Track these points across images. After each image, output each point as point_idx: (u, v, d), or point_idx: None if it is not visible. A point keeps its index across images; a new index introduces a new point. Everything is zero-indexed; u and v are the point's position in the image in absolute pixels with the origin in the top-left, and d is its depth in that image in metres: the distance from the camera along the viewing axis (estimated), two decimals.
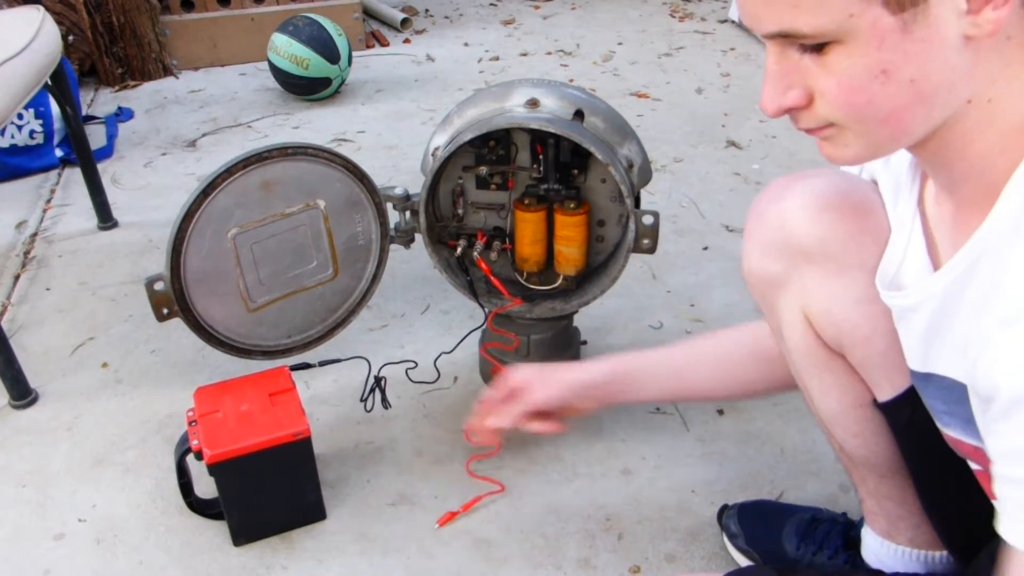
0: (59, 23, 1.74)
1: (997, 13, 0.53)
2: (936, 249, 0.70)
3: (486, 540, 1.13)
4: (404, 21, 3.14)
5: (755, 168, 2.08)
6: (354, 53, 2.65)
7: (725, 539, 1.09)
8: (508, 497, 1.19)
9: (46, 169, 2.14)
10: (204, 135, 2.34)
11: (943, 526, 0.87)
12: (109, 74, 2.68)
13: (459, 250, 1.26)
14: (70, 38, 2.60)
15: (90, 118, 2.41)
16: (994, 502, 0.56)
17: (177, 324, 1.20)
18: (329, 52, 2.45)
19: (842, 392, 0.86)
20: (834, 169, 0.81)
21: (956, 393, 0.63)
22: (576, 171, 1.21)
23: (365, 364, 1.39)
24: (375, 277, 1.31)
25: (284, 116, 2.45)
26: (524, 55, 2.89)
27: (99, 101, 2.59)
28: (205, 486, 1.13)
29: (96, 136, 2.29)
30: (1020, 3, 0.54)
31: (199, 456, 1.05)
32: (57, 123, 2.12)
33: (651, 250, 1.20)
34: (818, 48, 0.57)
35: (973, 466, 0.71)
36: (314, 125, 2.39)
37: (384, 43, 3.03)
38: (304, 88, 2.50)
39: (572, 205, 1.20)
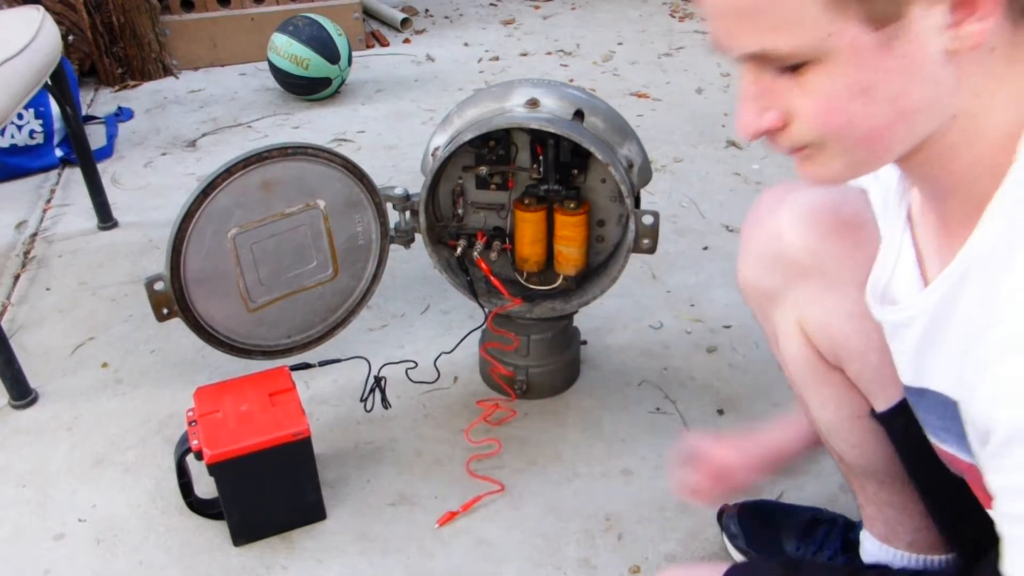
0: (59, 23, 1.74)
1: (981, 25, 0.52)
2: (924, 263, 0.69)
3: (486, 540, 1.13)
4: (404, 21, 3.14)
5: (755, 168, 2.08)
6: (354, 53, 2.65)
7: (725, 539, 1.09)
8: (508, 497, 1.19)
9: (46, 169, 2.14)
10: (204, 135, 2.34)
11: (948, 528, 0.87)
12: (109, 74, 2.68)
13: (459, 250, 1.26)
14: (70, 38, 2.60)
15: (90, 118, 2.41)
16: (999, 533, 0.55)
17: (177, 324, 1.20)
18: (329, 52, 2.45)
19: (839, 404, 0.86)
20: None
21: (951, 409, 0.62)
22: (576, 171, 1.21)
23: (365, 364, 1.39)
24: (375, 277, 1.31)
25: (284, 116, 2.45)
26: (524, 55, 2.89)
27: (99, 101, 2.59)
28: (205, 486, 1.13)
29: (96, 136, 2.29)
30: (1003, 13, 0.53)
31: (199, 456, 1.05)
32: (57, 123, 2.12)
33: (651, 250, 1.20)
34: (795, 68, 0.55)
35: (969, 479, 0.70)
36: (314, 125, 2.39)
37: (384, 43, 3.03)
38: (304, 88, 2.50)
39: (572, 205, 1.20)
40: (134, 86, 2.69)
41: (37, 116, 2.09)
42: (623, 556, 1.10)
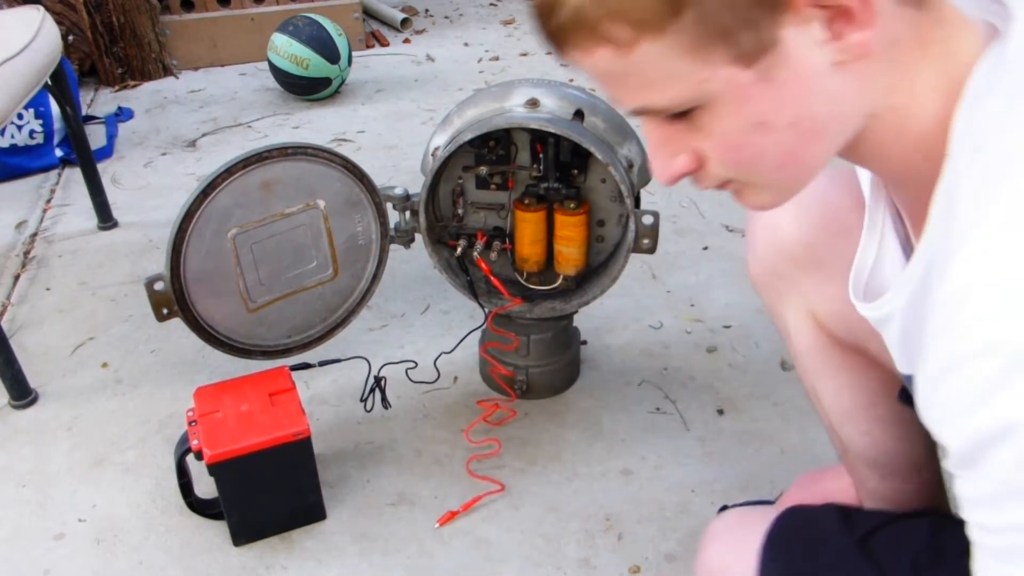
0: (59, 23, 1.74)
1: (863, 35, 0.50)
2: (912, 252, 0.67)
3: (486, 540, 1.13)
4: (404, 21, 3.14)
5: None
6: (354, 53, 2.65)
7: None
8: (508, 497, 1.19)
9: (46, 169, 2.14)
10: (204, 135, 2.34)
11: None
12: (109, 74, 2.68)
13: (459, 250, 1.26)
14: (70, 38, 2.60)
15: (90, 118, 2.41)
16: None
17: (177, 324, 1.20)
18: (329, 52, 2.45)
19: (855, 391, 0.86)
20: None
21: None
22: (576, 171, 1.21)
23: (365, 364, 1.39)
24: (375, 277, 1.31)
25: (284, 116, 2.45)
26: (524, 55, 2.89)
27: (99, 101, 2.59)
28: (205, 486, 1.13)
29: (96, 136, 2.29)
30: (893, 9, 0.51)
31: (199, 456, 1.05)
32: (57, 123, 2.12)
33: (651, 250, 1.20)
34: (685, 114, 0.54)
35: None
36: (314, 125, 2.39)
37: (384, 43, 3.03)
38: (304, 88, 2.50)
39: (572, 205, 1.20)
40: (134, 86, 2.69)
41: (37, 116, 2.09)
42: (623, 556, 1.10)
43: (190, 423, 1.09)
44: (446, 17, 3.33)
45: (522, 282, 1.30)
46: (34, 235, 1.87)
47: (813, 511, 0.84)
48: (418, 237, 1.28)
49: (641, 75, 0.53)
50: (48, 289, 1.68)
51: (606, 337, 1.51)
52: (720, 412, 1.34)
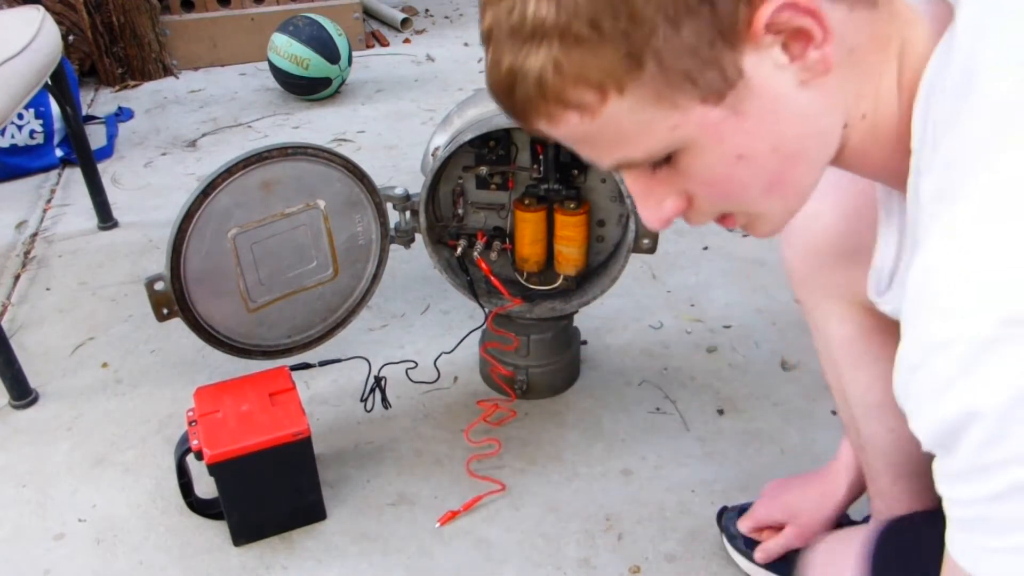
0: (59, 23, 1.74)
1: (823, 51, 0.50)
2: None
3: (486, 540, 1.13)
4: (404, 21, 3.14)
5: None
6: (354, 53, 2.65)
7: (725, 541, 1.09)
8: (508, 497, 1.19)
9: (46, 169, 2.14)
10: (204, 135, 2.34)
11: None
12: (109, 74, 2.68)
13: (459, 250, 1.26)
14: (70, 38, 2.60)
15: (90, 118, 2.41)
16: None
17: (177, 324, 1.20)
18: (329, 52, 2.45)
19: (890, 383, 0.85)
20: None
21: None
22: (576, 171, 1.21)
23: (365, 364, 1.39)
24: (375, 277, 1.31)
25: (284, 116, 2.45)
26: None
27: (99, 101, 2.59)
28: (205, 486, 1.13)
29: (96, 136, 2.29)
30: (847, 17, 0.51)
31: (199, 456, 1.05)
32: (57, 123, 2.12)
33: (651, 250, 1.20)
34: (665, 159, 0.54)
35: None
36: (314, 125, 2.39)
37: (384, 43, 3.03)
38: (304, 88, 2.50)
39: (572, 205, 1.20)
40: (134, 86, 2.69)
41: (37, 116, 2.09)
42: (623, 556, 1.10)
43: (190, 423, 1.09)
44: (446, 17, 3.33)
45: (522, 282, 1.30)
46: (34, 235, 1.87)
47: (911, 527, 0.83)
48: (418, 237, 1.28)
49: (613, 133, 0.53)
50: (48, 289, 1.68)
51: (606, 337, 1.51)
52: (720, 412, 1.34)
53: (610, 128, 0.53)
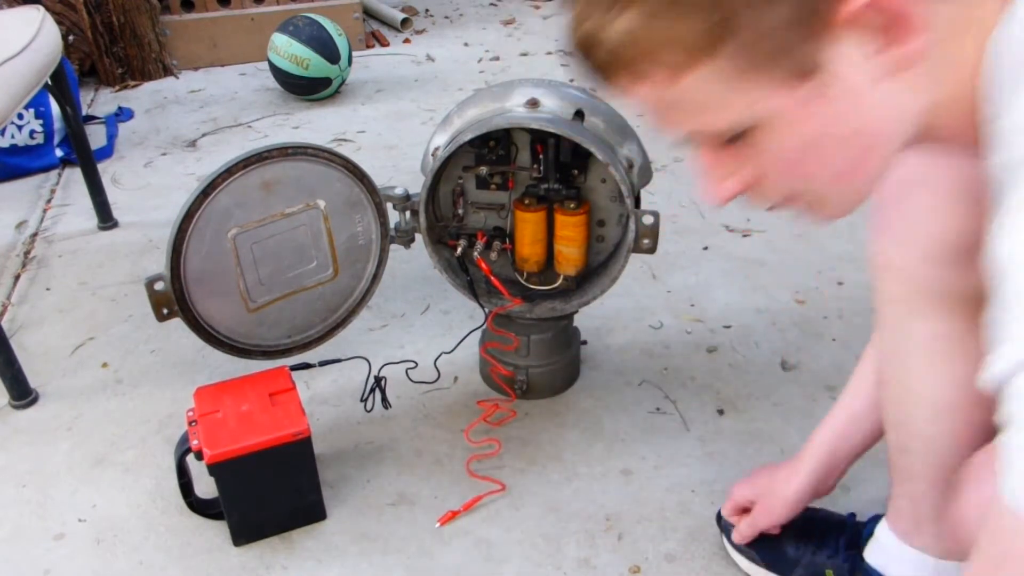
0: (59, 23, 1.74)
1: (910, 45, 0.50)
2: None
3: (486, 540, 1.13)
4: (404, 21, 3.14)
5: None
6: (354, 53, 2.64)
7: (725, 541, 1.09)
8: (508, 497, 1.19)
9: (46, 169, 2.14)
10: (204, 135, 2.34)
11: None
12: (109, 74, 2.68)
13: (459, 250, 1.26)
14: (70, 38, 2.60)
15: (90, 118, 2.41)
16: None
17: (177, 324, 1.20)
18: (329, 52, 2.45)
19: (970, 385, 0.83)
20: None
21: None
22: (576, 171, 1.21)
23: (365, 364, 1.39)
24: (375, 277, 1.31)
25: (284, 116, 2.45)
26: (524, 55, 2.89)
27: (99, 101, 2.59)
28: (205, 486, 1.13)
29: (96, 136, 2.29)
30: (936, 8, 0.51)
31: (199, 456, 1.05)
32: (57, 123, 2.12)
33: (651, 250, 1.20)
34: (738, 136, 0.54)
35: None
36: (314, 125, 2.39)
37: (384, 43, 3.03)
38: (304, 88, 2.50)
39: (572, 205, 1.20)
40: (134, 86, 2.69)
41: (37, 116, 2.09)
42: (623, 556, 1.10)
43: (190, 423, 1.09)
44: (446, 17, 3.33)
45: (522, 282, 1.30)
46: (34, 235, 1.87)
47: None
48: (418, 237, 1.28)
49: (691, 102, 0.53)
50: (48, 289, 1.68)
51: (606, 337, 1.51)
52: (720, 412, 1.34)
53: (688, 96, 0.52)
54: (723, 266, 1.70)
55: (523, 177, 1.24)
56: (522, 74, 2.70)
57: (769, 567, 1.05)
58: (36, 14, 1.57)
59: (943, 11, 0.52)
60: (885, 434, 0.93)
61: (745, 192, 0.59)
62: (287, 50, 2.43)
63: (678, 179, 2.04)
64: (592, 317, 1.53)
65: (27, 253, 1.81)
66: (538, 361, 1.33)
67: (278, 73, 2.49)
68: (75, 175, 2.04)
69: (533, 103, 1.15)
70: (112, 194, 1.93)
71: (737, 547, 1.08)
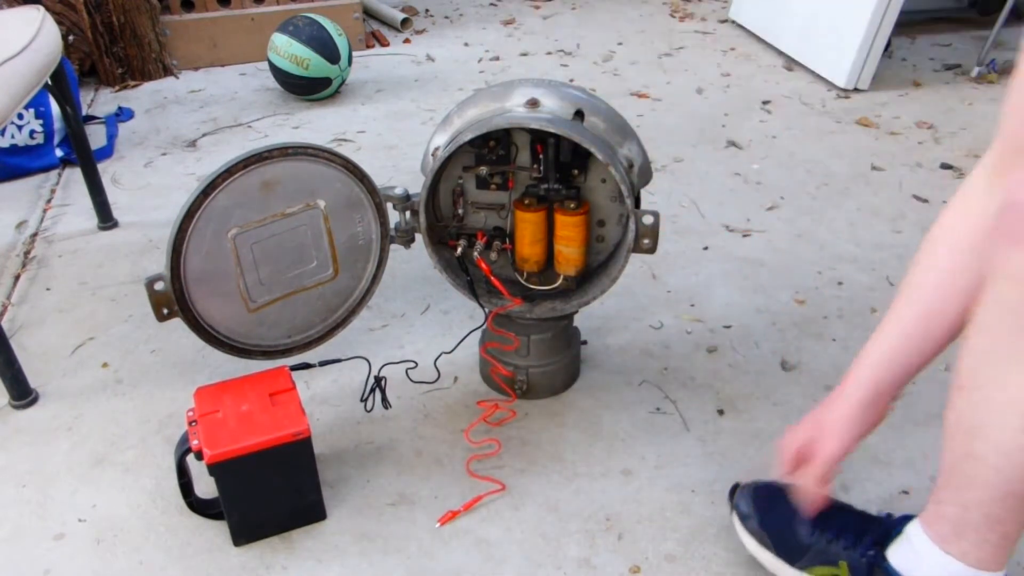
0: (59, 23, 1.74)
1: None
2: None
3: (486, 540, 1.13)
4: (404, 21, 3.14)
5: (755, 168, 2.08)
6: (354, 53, 2.64)
7: (735, 519, 1.07)
8: (508, 497, 1.19)
9: (46, 169, 2.14)
10: (204, 135, 2.34)
11: None
12: (109, 74, 2.68)
13: (459, 250, 1.26)
14: (70, 38, 2.60)
15: (90, 118, 2.41)
16: None
17: (177, 324, 1.20)
18: (329, 52, 2.45)
19: None
20: None
21: None
22: (576, 171, 1.21)
23: (365, 364, 1.39)
24: (375, 277, 1.31)
25: (284, 116, 2.45)
26: (524, 55, 2.89)
27: (99, 101, 2.59)
28: (205, 486, 1.13)
29: (96, 136, 2.29)
30: None
31: (199, 456, 1.05)
32: (57, 123, 2.13)
33: (651, 250, 1.20)
34: None
35: None
36: (314, 125, 2.39)
37: (384, 43, 3.03)
38: (304, 88, 2.50)
39: (572, 205, 1.20)
40: (134, 86, 2.69)
41: (37, 116, 2.09)
42: (623, 556, 1.10)
43: (190, 423, 1.09)
44: (446, 17, 3.33)
45: (522, 282, 1.30)
46: (34, 235, 1.87)
47: None
48: (418, 237, 1.28)
49: None
50: (48, 289, 1.68)
51: (606, 337, 1.51)
52: (720, 412, 1.34)
53: None
54: (723, 266, 1.70)
55: (523, 177, 1.24)
56: (522, 74, 2.70)
57: (778, 551, 1.02)
58: (36, 14, 1.58)
59: None
60: (945, 439, 0.89)
61: None
62: (287, 50, 2.43)
63: (678, 179, 2.04)
64: (592, 317, 1.53)
65: (27, 253, 1.81)
66: (538, 361, 1.33)
67: (278, 73, 2.49)
68: (75, 175, 2.04)
69: (533, 103, 1.15)
70: (112, 194, 1.93)
71: (747, 527, 1.05)
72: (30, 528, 1.17)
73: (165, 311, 1.18)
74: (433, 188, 1.24)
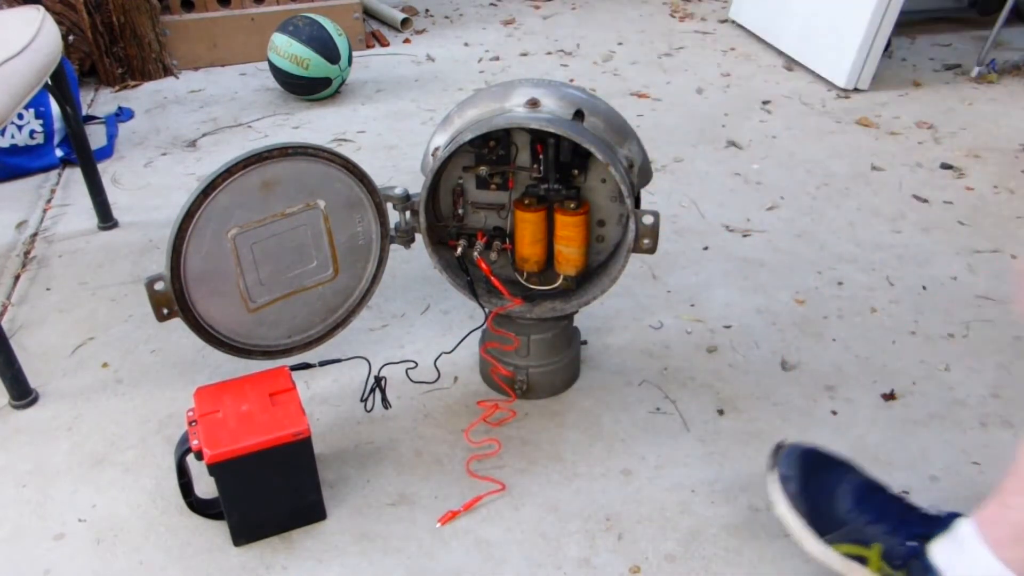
0: (59, 23, 1.74)
1: None
2: None
3: (486, 540, 1.13)
4: (404, 21, 3.14)
5: (755, 168, 2.08)
6: (354, 53, 2.64)
7: (774, 479, 1.03)
8: (508, 497, 1.19)
9: (46, 169, 2.14)
10: (204, 135, 2.34)
11: None
12: (109, 74, 2.68)
13: (459, 250, 1.26)
14: (70, 38, 2.60)
15: (90, 118, 2.41)
16: None
17: (177, 324, 1.20)
18: (329, 52, 2.45)
19: None
20: None
21: None
22: (576, 171, 1.21)
23: (365, 364, 1.39)
24: (375, 277, 1.31)
25: (284, 116, 2.45)
26: (524, 55, 2.89)
27: (99, 101, 2.59)
28: (205, 486, 1.13)
29: (96, 136, 2.29)
30: None
31: (199, 456, 1.05)
32: (57, 123, 2.13)
33: (651, 250, 1.20)
34: None
35: None
36: (314, 125, 2.39)
37: (384, 43, 3.03)
38: (304, 88, 2.50)
39: (572, 205, 1.20)
40: (134, 86, 2.69)
41: (37, 116, 2.09)
42: (623, 556, 1.10)
43: (190, 423, 1.09)
44: (446, 17, 3.33)
45: (522, 282, 1.30)
46: (34, 235, 1.87)
47: None
48: (418, 237, 1.28)
49: None
50: (48, 289, 1.68)
51: (606, 337, 1.51)
52: (720, 412, 1.34)
53: None
54: (723, 266, 1.70)
55: (523, 177, 1.24)
56: (522, 74, 2.70)
57: (811, 519, 0.99)
58: (36, 14, 1.57)
59: None
60: None
61: None
62: (287, 50, 2.43)
63: (678, 179, 2.04)
64: (592, 317, 1.53)
65: (27, 253, 1.81)
66: (538, 361, 1.33)
67: (278, 73, 2.49)
68: (75, 175, 2.04)
69: (533, 103, 1.15)
70: (112, 194, 1.93)
71: (786, 489, 1.01)
72: (30, 528, 1.17)
73: (165, 311, 1.18)
74: (433, 188, 1.24)
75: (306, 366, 1.24)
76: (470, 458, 1.25)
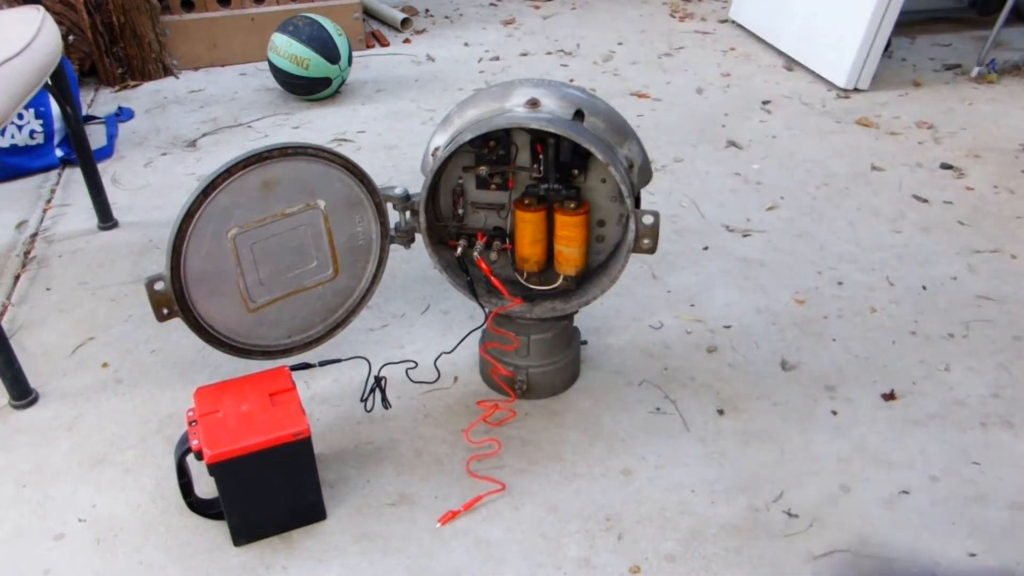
0: (59, 23, 1.74)
1: None
2: None
3: (486, 540, 1.13)
4: (404, 21, 3.14)
5: (755, 168, 2.08)
6: (354, 53, 2.64)
7: None
8: (508, 497, 1.19)
9: (46, 169, 2.14)
10: (204, 135, 2.34)
11: None
12: (109, 74, 2.68)
13: (459, 250, 1.26)
14: (70, 38, 2.60)
15: (90, 118, 2.41)
16: None
17: (177, 324, 1.20)
18: (329, 52, 2.45)
19: None
20: None
21: None
22: (576, 171, 1.21)
23: (365, 364, 1.39)
24: (375, 277, 1.31)
25: (284, 116, 2.45)
26: (524, 55, 2.89)
27: (99, 101, 2.59)
28: (205, 486, 1.13)
29: (96, 136, 2.29)
30: None
31: (199, 456, 1.05)
32: (57, 123, 2.13)
33: (651, 250, 1.20)
34: None
35: None
36: (314, 125, 2.39)
37: (384, 43, 3.03)
38: (304, 88, 2.50)
39: (572, 205, 1.20)
40: (134, 86, 2.69)
41: (37, 116, 2.09)
42: (623, 556, 1.10)
43: (190, 423, 1.09)
44: (446, 17, 3.33)
45: (522, 282, 1.30)
46: (34, 235, 1.87)
47: None
48: (418, 237, 1.28)
49: None
50: (48, 289, 1.68)
51: (606, 337, 1.51)
52: (720, 412, 1.34)
53: None
54: (723, 266, 1.70)
55: (523, 177, 1.24)
56: (522, 74, 2.70)
57: None
58: (36, 14, 1.58)
59: None
60: None
61: None
62: (287, 50, 2.43)
63: (678, 179, 2.04)
64: (592, 317, 1.53)
65: (27, 253, 1.81)
66: (538, 361, 1.33)
67: (278, 73, 2.49)
68: (75, 175, 2.04)
69: (533, 103, 1.15)
70: (112, 194, 1.93)
71: None
72: (30, 528, 1.17)
73: (165, 311, 1.18)
74: (433, 188, 1.24)
75: (306, 366, 1.24)
76: (470, 458, 1.25)
